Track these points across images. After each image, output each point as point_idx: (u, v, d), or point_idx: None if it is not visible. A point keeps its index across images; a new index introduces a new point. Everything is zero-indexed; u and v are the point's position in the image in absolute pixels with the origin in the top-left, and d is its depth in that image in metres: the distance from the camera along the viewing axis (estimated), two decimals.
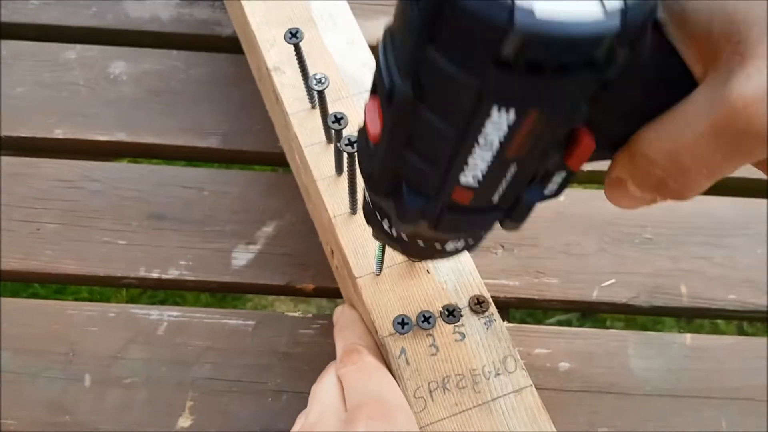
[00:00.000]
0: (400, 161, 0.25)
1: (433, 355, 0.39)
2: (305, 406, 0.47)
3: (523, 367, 0.39)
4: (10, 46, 0.61)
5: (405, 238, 0.30)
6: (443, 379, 0.38)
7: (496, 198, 0.25)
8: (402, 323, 0.39)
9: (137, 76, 0.60)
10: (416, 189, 0.25)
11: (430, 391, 0.38)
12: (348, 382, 0.39)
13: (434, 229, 0.27)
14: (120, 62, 0.60)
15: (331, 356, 0.49)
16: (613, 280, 0.52)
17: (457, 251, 0.31)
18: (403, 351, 0.39)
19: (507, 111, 0.20)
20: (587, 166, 0.25)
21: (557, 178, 0.26)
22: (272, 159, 0.58)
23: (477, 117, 0.20)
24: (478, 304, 0.41)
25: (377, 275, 0.41)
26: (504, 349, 0.39)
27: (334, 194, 0.43)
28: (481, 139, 0.21)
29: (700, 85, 0.22)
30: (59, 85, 0.59)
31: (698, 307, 0.52)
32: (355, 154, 0.38)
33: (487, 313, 0.40)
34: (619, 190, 0.26)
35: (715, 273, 0.53)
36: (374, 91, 0.24)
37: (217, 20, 0.63)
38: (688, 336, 0.51)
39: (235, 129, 0.58)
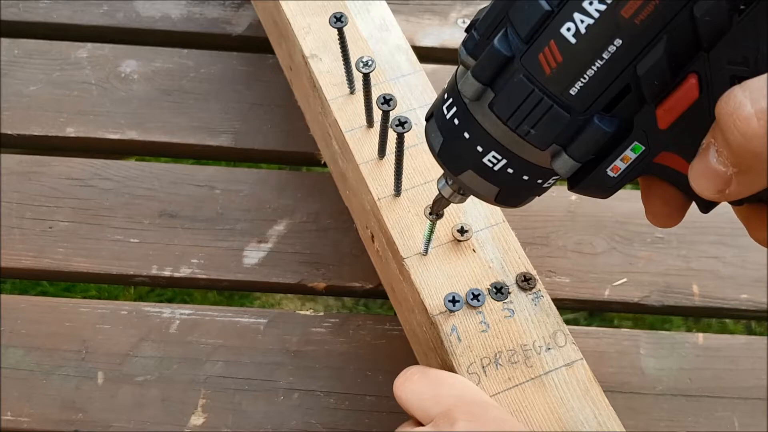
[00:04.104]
0: None
1: (483, 331, 0.40)
2: (317, 404, 0.48)
3: (573, 341, 0.39)
4: (22, 44, 0.61)
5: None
6: (495, 355, 0.39)
7: (575, 88, 0.26)
8: (453, 300, 0.39)
9: (148, 74, 0.60)
10: None
11: (483, 367, 0.39)
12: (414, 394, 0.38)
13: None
14: (131, 61, 0.60)
15: (342, 355, 0.49)
16: (624, 280, 0.52)
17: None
18: (454, 328, 0.40)
19: None
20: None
21: (629, 152, 0.27)
22: (283, 157, 0.58)
23: None
24: (525, 281, 0.41)
25: (424, 255, 0.42)
26: (553, 324, 0.40)
27: (377, 177, 0.44)
28: None
29: None
30: (70, 84, 0.59)
31: (710, 306, 0.52)
32: (404, 135, 0.38)
33: (534, 290, 0.41)
34: (701, 163, 0.25)
35: (726, 272, 0.53)
36: None
37: (228, 19, 0.63)
38: (701, 336, 0.51)
39: (246, 128, 0.58)
